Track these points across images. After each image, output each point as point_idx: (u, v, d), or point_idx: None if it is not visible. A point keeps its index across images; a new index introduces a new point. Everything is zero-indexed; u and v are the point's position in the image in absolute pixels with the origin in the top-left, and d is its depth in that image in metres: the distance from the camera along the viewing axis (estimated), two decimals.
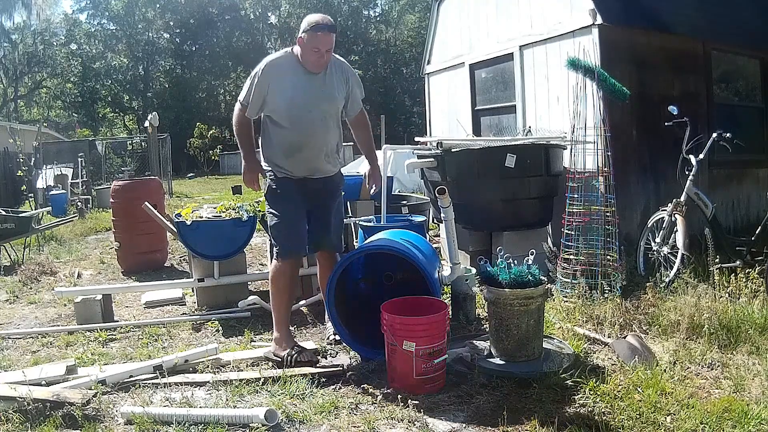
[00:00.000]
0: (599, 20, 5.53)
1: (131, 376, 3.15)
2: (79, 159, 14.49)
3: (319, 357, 3.40)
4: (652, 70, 6.00)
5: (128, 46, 40.10)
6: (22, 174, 12.01)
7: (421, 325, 2.94)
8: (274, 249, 3.46)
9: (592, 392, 2.83)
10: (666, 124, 4.97)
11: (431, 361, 2.91)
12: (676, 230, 4.47)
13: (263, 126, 3.44)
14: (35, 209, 9.71)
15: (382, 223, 4.88)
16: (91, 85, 38.22)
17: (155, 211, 5.05)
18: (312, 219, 3.50)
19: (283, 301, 3.44)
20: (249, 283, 5.01)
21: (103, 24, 41.52)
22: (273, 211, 3.45)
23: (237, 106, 3.45)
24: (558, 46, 6.00)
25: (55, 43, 39.86)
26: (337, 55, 3.47)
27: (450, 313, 4.14)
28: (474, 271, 4.23)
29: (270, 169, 3.43)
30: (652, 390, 2.78)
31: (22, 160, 12.75)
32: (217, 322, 4.26)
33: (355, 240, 5.14)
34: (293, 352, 3.28)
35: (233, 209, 4.75)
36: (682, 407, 2.66)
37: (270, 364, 3.38)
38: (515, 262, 3.31)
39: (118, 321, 4.41)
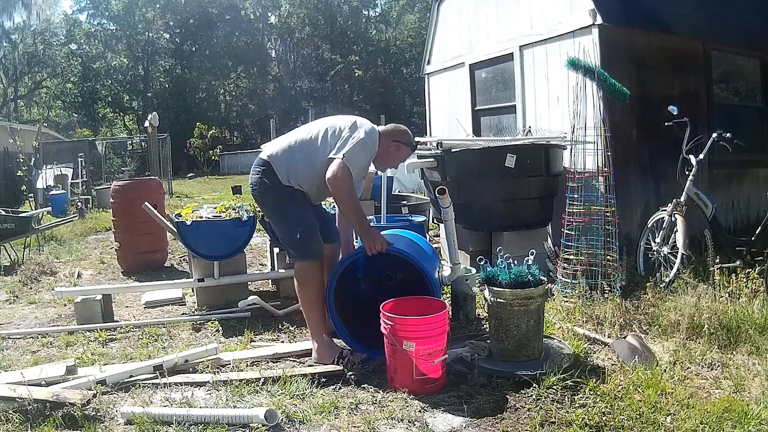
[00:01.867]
0: (599, 20, 5.53)
1: (131, 376, 3.15)
2: (79, 159, 14.50)
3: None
4: (652, 70, 6.00)
5: (128, 46, 40.10)
6: (22, 174, 12.00)
7: (421, 325, 2.94)
8: (299, 253, 3.43)
9: (592, 392, 2.83)
10: (666, 124, 4.97)
11: (431, 361, 2.91)
12: (676, 230, 4.47)
13: (309, 159, 3.38)
14: (35, 209, 9.70)
15: (382, 223, 4.88)
16: (91, 85, 38.22)
17: (155, 211, 5.05)
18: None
19: (318, 304, 3.43)
20: (249, 283, 5.00)
21: (103, 24, 41.52)
22: (293, 222, 3.42)
23: (348, 170, 3.24)
24: (558, 46, 6.00)
25: (55, 43, 39.86)
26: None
27: (450, 313, 4.15)
28: (474, 271, 4.22)
29: (290, 185, 3.41)
30: (652, 390, 2.78)
31: (22, 160, 12.74)
32: (217, 322, 4.26)
33: (354, 240, 5.13)
34: (344, 359, 3.27)
35: (233, 209, 4.74)
36: (682, 407, 2.67)
37: (270, 363, 3.38)
38: (515, 262, 3.31)
39: (118, 321, 4.41)
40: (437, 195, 3.77)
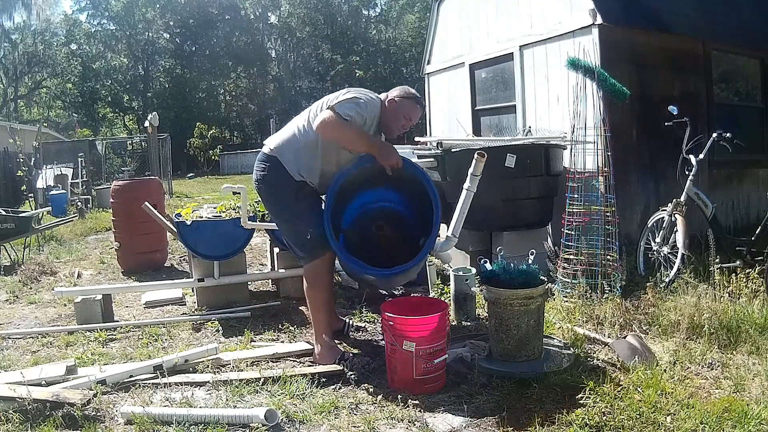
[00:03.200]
0: (599, 20, 5.53)
1: (131, 376, 3.15)
2: (79, 159, 14.51)
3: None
4: (652, 70, 6.00)
5: (128, 46, 40.12)
6: (22, 174, 12.02)
7: (421, 325, 2.94)
8: (308, 254, 3.35)
9: (592, 392, 2.83)
10: (666, 124, 4.97)
11: (431, 361, 2.91)
12: (676, 230, 4.47)
13: (312, 144, 3.29)
14: (35, 209, 9.70)
15: None
16: (91, 85, 38.24)
17: (155, 211, 5.04)
18: None
19: (326, 305, 3.40)
20: (249, 283, 5.00)
21: (103, 24, 41.55)
22: (304, 223, 3.33)
23: (342, 119, 3.13)
24: (558, 46, 6.00)
25: (55, 43, 39.88)
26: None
27: (451, 313, 4.15)
28: (474, 271, 4.23)
29: (302, 179, 3.32)
30: (652, 390, 2.78)
31: (22, 160, 12.75)
32: (217, 322, 4.26)
33: None
34: (345, 361, 3.24)
35: (233, 209, 4.74)
36: (682, 407, 2.66)
37: (270, 363, 3.38)
38: (515, 262, 3.31)
39: (118, 321, 4.41)
40: (476, 157, 3.47)
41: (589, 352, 3.42)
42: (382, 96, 3.41)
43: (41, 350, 3.85)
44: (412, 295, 4.62)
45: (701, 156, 4.72)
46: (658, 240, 4.73)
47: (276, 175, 3.33)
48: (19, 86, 39.68)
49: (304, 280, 3.45)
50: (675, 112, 4.88)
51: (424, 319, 2.97)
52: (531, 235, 4.98)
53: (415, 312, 3.08)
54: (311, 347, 3.53)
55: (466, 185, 3.53)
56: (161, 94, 39.41)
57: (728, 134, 4.78)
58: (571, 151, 4.59)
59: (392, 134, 3.40)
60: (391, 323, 2.96)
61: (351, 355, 3.37)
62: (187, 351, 3.43)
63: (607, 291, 4.17)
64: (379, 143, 3.30)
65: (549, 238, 5.12)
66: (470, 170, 3.49)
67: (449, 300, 4.22)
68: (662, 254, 4.67)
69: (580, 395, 2.83)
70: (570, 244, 4.39)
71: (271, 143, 3.42)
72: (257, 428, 2.60)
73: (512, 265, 3.28)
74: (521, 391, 2.90)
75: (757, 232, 4.63)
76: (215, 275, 4.58)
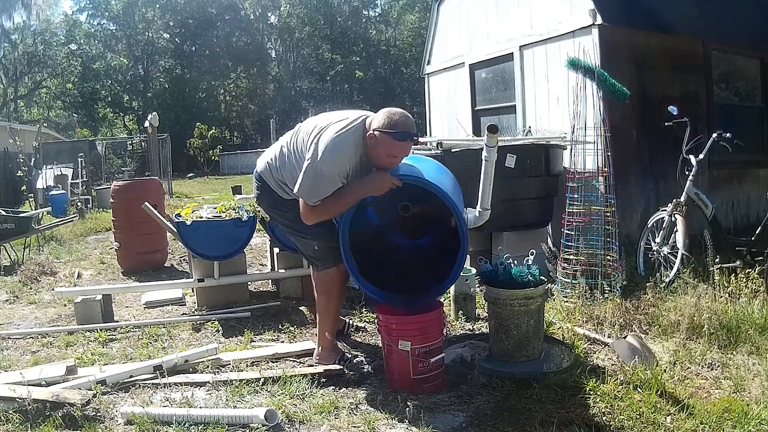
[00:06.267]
0: (599, 20, 5.53)
1: (131, 376, 3.15)
2: (79, 159, 14.52)
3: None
4: (652, 71, 6.00)
5: (128, 46, 40.19)
6: (22, 174, 12.02)
7: (415, 324, 2.94)
8: (321, 263, 3.26)
9: (592, 392, 2.83)
10: (666, 124, 4.97)
11: (428, 360, 2.91)
12: (676, 230, 4.47)
13: (289, 169, 3.15)
14: (35, 209, 9.71)
15: None
16: (91, 85, 38.29)
17: (155, 211, 5.04)
18: None
19: (336, 313, 3.40)
20: (249, 283, 5.00)
21: (103, 24, 41.62)
22: (306, 236, 3.24)
23: (314, 207, 2.99)
24: (558, 47, 6.00)
25: (55, 43, 39.90)
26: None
27: (450, 313, 4.15)
28: (474, 271, 4.23)
29: (292, 197, 3.17)
30: (652, 390, 2.78)
31: (22, 160, 12.75)
32: (217, 322, 4.26)
33: None
34: (345, 362, 3.24)
35: (233, 209, 4.74)
36: (682, 407, 2.66)
37: (270, 363, 3.39)
38: (515, 262, 3.31)
39: (118, 321, 4.41)
40: (488, 133, 3.25)
41: (589, 352, 3.42)
42: (367, 121, 3.01)
43: (41, 350, 3.85)
44: None
45: (701, 156, 4.72)
46: (658, 240, 4.73)
47: (268, 195, 3.32)
48: (19, 86, 39.70)
49: (316, 286, 3.37)
50: (675, 112, 4.88)
51: (418, 317, 2.96)
52: (531, 235, 4.98)
53: (411, 312, 3.07)
54: (311, 347, 3.53)
55: (484, 155, 3.36)
56: (161, 94, 39.46)
57: (728, 134, 4.78)
58: (571, 151, 4.59)
59: (378, 166, 3.03)
60: (386, 323, 2.96)
61: (351, 355, 3.37)
62: (187, 351, 3.43)
63: (607, 291, 4.17)
64: (368, 184, 3.00)
65: (549, 239, 5.12)
66: (484, 141, 3.38)
67: (449, 300, 4.22)
68: (662, 254, 4.67)
69: (580, 395, 2.83)
70: (570, 244, 4.39)
71: (260, 163, 3.35)
72: (257, 428, 2.59)
73: (512, 265, 3.28)
74: (521, 391, 2.90)
75: (757, 232, 4.63)
76: (215, 275, 4.58)
